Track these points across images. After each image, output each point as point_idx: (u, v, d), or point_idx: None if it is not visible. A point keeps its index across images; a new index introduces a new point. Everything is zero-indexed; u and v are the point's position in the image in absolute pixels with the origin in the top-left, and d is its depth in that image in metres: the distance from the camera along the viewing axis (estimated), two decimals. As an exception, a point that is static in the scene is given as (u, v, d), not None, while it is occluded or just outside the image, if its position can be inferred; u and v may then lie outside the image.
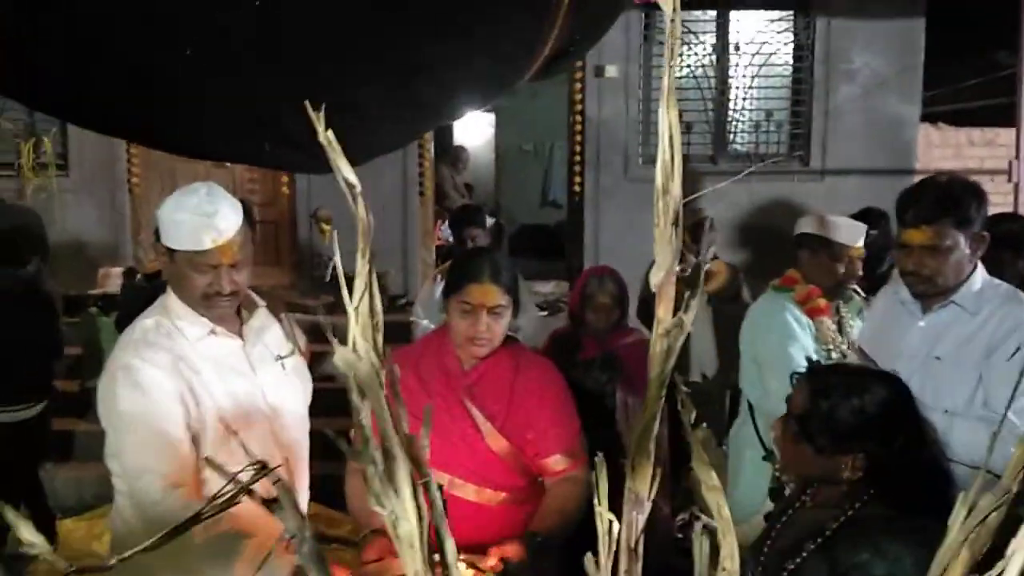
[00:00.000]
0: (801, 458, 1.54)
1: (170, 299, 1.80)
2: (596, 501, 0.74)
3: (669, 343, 0.74)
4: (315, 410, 2.04)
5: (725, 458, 3.02)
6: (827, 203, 5.87)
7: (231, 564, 1.68)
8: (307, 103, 0.81)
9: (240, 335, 1.87)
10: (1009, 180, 4.84)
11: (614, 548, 0.72)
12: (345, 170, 0.83)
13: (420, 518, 0.68)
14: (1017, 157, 4.84)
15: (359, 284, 0.81)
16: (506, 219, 9.11)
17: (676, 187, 0.81)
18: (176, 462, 1.68)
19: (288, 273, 6.33)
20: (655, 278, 0.78)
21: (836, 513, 1.49)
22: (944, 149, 6.48)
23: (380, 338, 0.79)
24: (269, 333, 1.95)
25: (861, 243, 2.79)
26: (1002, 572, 0.57)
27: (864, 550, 1.38)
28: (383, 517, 0.72)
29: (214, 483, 1.71)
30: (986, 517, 0.60)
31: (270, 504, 0.66)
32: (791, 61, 6.22)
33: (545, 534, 1.80)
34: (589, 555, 0.74)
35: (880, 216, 3.99)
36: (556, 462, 1.97)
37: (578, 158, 6.22)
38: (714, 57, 6.19)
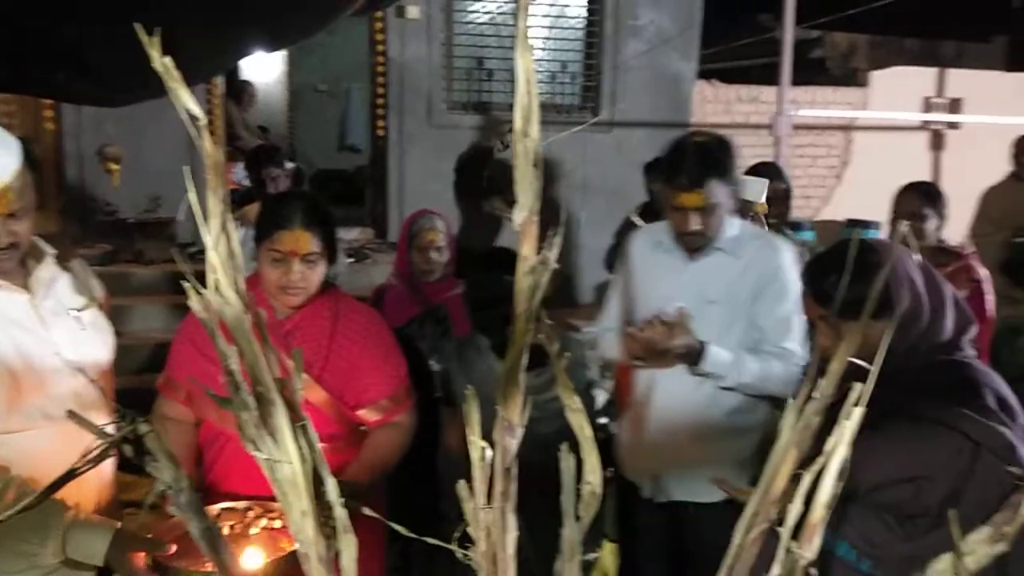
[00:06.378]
0: None
1: None
2: (467, 432, 0.78)
3: (535, 279, 0.78)
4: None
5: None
6: (616, 155, 6.22)
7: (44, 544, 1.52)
8: (139, 28, 0.75)
9: (27, 288, 1.69)
10: (771, 134, 5.42)
11: (488, 473, 0.76)
12: (187, 101, 0.78)
13: (303, 460, 0.67)
14: (779, 113, 5.42)
15: (214, 224, 0.77)
16: (303, 163, 8.73)
17: (534, 130, 0.84)
18: None
19: (55, 219, 5.64)
20: (518, 217, 0.81)
21: None
22: (716, 105, 7.07)
23: (242, 280, 0.76)
24: (60, 284, 1.77)
25: (764, 199, 2.90)
26: (824, 465, 0.68)
27: None
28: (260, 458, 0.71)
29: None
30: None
31: (141, 459, 0.62)
32: (584, 14, 6.44)
33: (356, 487, 1.80)
34: (462, 482, 0.78)
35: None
36: (379, 408, 1.97)
37: (381, 101, 6.06)
38: (513, 5, 6.27)
